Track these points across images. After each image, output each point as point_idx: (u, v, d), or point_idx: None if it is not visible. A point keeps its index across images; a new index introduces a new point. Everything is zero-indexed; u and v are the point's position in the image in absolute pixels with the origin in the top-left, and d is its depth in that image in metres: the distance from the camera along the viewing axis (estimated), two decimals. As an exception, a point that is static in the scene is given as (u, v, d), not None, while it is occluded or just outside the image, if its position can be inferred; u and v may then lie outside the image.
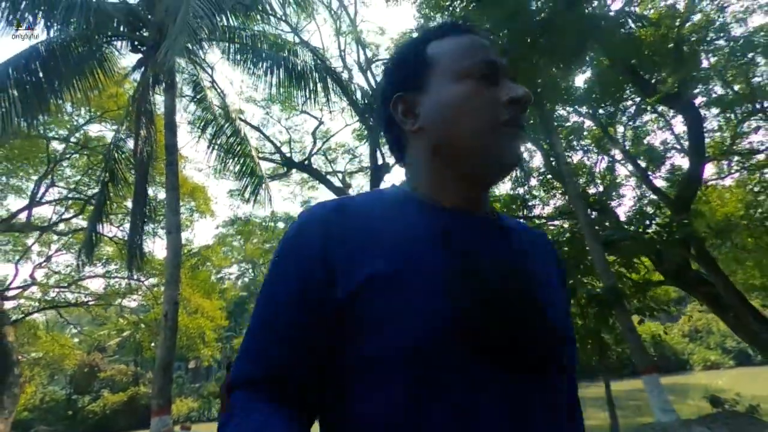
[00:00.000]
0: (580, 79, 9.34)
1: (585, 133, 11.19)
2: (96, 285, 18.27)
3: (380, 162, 8.86)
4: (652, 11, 8.63)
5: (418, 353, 0.44)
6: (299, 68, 6.49)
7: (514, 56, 7.14)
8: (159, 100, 7.46)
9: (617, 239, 6.87)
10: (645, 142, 10.32)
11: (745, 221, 9.86)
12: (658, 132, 10.54)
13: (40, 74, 5.61)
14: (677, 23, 7.98)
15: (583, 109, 10.53)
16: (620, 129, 10.52)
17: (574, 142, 11.22)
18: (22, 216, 11.88)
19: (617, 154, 10.59)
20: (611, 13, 7.83)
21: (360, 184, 12.50)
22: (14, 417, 7.84)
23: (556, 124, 10.78)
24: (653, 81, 8.26)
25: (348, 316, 0.47)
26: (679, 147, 9.95)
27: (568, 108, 10.33)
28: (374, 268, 0.48)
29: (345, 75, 9.22)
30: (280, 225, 17.22)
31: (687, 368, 18.66)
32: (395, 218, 0.54)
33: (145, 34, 6.56)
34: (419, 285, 0.47)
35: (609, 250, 7.21)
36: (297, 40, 8.56)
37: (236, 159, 7.60)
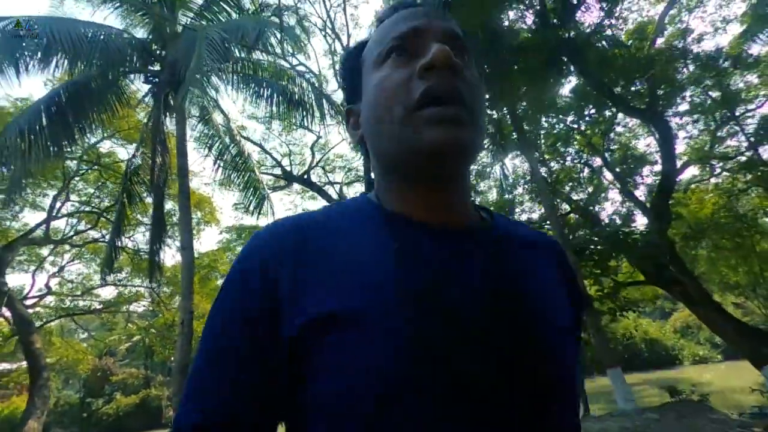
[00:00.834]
0: (562, 91, 9.94)
1: (571, 140, 11.82)
2: (105, 292, 18.95)
3: (372, 177, 9.52)
4: (623, 32, 9.28)
5: (377, 401, 0.38)
6: (297, 96, 7.15)
7: (492, 77, 7.80)
8: (169, 118, 8.16)
9: (587, 247, 7.49)
10: (616, 151, 10.96)
11: (720, 222, 10.49)
12: (635, 142, 11.16)
13: (66, 107, 6.31)
14: (646, 44, 8.63)
15: (568, 118, 11.17)
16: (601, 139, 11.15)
17: (562, 149, 11.85)
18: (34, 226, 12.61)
19: (597, 162, 11.23)
20: (586, 34, 8.46)
21: (357, 194, 13.14)
22: (45, 417, 8.52)
23: (542, 131, 11.46)
24: (626, 97, 8.90)
25: (299, 355, 0.41)
26: (653, 158, 10.59)
27: (551, 117, 10.95)
28: (324, 304, 0.42)
29: (340, 94, 9.88)
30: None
31: (676, 363, 19.29)
32: (353, 239, 0.47)
33: (156, 68, 7.23)
34: (374, 323, 0.40)
35: (582, 258, 7.84)
36: (296, 64, 9.22)
37: (240, 174, 8.27)
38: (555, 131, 11.03)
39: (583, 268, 7.85)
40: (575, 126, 10.86)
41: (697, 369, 17.47)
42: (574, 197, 11.48)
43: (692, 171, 13.03)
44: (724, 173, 11.35)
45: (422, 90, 0.45)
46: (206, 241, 45.61)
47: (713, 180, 11.83)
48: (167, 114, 7.42)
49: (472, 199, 0.57)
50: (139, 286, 14.51)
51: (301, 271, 0.45)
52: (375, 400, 0.38)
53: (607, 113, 9.99)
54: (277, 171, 11.37)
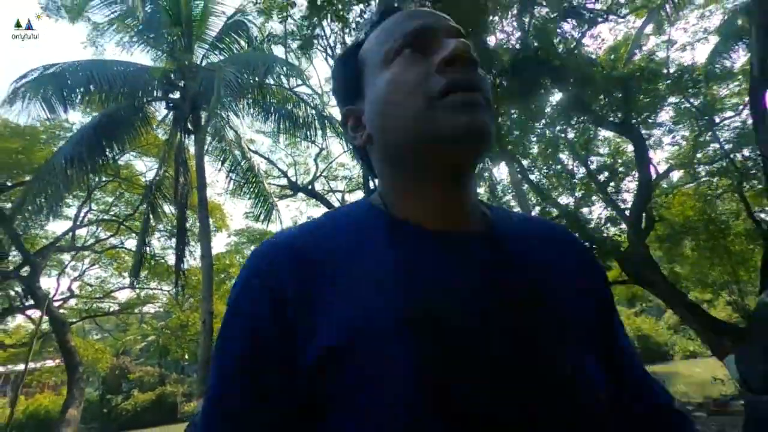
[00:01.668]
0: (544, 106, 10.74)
1: (557, 148, 12.57)
2: (122, 294, 19.92)
3: (372, 186, 10.41)
4: (601, 51, 10.05)
5: None
6: (301, 120, 8.02)
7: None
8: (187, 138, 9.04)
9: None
10: (595, 161, 11.75)
11: (696, 226, 11.23)
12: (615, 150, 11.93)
13: (100, 134, 7.22)
14: (621, 64, 9.40)
15: (555, 128, 11.93)
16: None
17: (548, 157, 12.60)
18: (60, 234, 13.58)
19: (576, 168, 12.00)
20: (564, 55, 9.23)
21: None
22: (83, 405, 9.45)
23: (529, 141, 12.22)
24: (602, 112, 9.66)
25: (315, 387, 0.39)
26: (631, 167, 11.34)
27: (536, 128, 11.72)
28: (328, 336, 0.39)
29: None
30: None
31: (668, 358, 20.01)
32: (355, 256, 0.44)
33: (176, 95, 8.12)
34: (378, 352, 0.38)
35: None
36: (299, 84, 10.10)
37: (250, 186, 9.13)
38: (541, 140, 11.80)
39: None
40: (561, 135, 11.62)
41: (687, 364, 18.14)
42: (562, 201, 12.23)
43: (678, 175, 13.70)
44: (704, 178, 12.07)
45: (446, 81, 0.45)
46: (217, 244, 46.85)
47: (694, 184, 12.52)
48: (186, 135, 8.31)
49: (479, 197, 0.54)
50: (157, 290, 15.45)
51: (304, 293, 0.42)
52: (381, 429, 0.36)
53: (586, 126, 10.76)
54: (284, 180, 12.25)
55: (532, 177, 11.34)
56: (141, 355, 22.56)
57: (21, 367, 18.11)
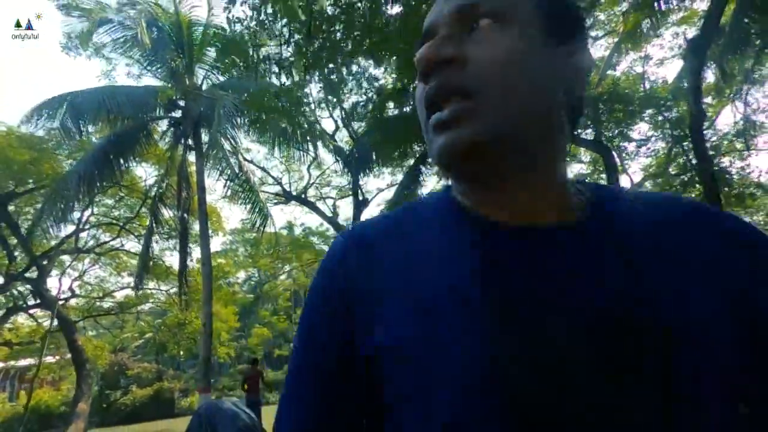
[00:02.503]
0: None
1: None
2: (120, 294, 20.54)
3: (360, 198, 11.11)
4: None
5: (443, 430, 0.34)
6: (298, 135, 8.71)
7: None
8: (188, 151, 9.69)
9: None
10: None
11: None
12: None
13: (108, 151, 7.87)
14: (592, 87, 10.16)
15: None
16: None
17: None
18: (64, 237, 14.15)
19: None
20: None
21: (347, 217, 14.52)
22: (91, 398, 10.12)
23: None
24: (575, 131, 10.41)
25: (374, 380, 0.39)
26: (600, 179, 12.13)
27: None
28: (390, 333, 0.39)
29: (332, 124, 11.35)
30: (283, 232, 19.73)
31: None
32: (425, 246, 0.43)
33: (177, 114, 8.77)
34: (444, 354, 0.36)
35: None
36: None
37: (246, 196, 9.77)
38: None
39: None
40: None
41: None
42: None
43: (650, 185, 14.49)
44: (678, 187, 12.85)
45: (426, 101, 0.42)
46: (213, 245, 47.41)
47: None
48: (187, 149, 8.97)
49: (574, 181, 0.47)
50: (157, 290, 16.09)
51: (368, 294, 0.42)
52: (441, 429, 0.34)
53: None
54: (277, 188, 12.94)
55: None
56: (138, 351, 23.13)
57: (21, 363, 18.68)
